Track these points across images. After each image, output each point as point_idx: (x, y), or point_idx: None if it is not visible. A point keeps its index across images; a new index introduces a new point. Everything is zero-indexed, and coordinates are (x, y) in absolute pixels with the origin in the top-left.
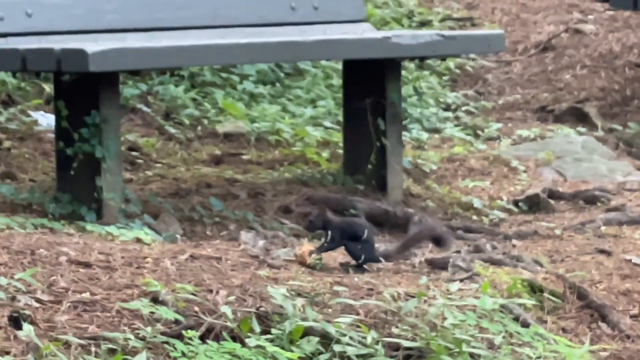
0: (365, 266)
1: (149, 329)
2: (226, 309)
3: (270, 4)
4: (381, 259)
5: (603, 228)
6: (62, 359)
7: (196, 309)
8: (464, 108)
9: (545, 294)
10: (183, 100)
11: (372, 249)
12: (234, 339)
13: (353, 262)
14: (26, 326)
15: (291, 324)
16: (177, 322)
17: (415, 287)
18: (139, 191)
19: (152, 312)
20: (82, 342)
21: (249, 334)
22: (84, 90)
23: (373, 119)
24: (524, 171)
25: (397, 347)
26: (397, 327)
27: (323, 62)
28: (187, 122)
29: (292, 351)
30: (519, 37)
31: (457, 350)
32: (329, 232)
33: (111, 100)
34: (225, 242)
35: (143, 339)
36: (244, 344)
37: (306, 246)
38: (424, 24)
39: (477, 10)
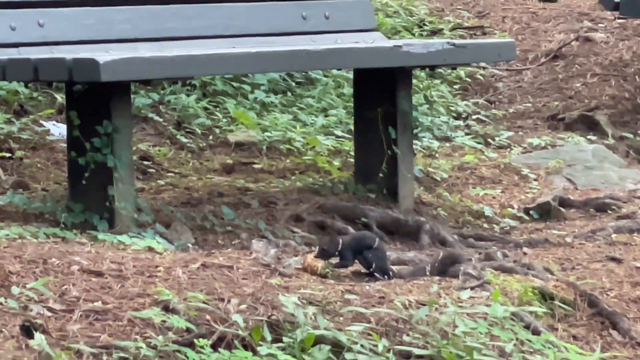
0: (376, 274)
1: (160, 337)
2: (238, 318)
3: (282, 14)
4: (392, 271)
5: (614, 236)
6: None
7: (208, 317)
8: (474, 116)
9: (556, 302)
10: (195, 109)
11: (384, 258)
12: (246, 347)
13: (364, 270)
14: (38, 335)
15: (302, 333)
16: (188, 330)
17: (426, 295)
18: (150, 200)
19: (164, 321)
20: (94, 351)
21: (260, 343)
22: (95, 100)
23: (384, 128)
24: (535, 179)
25: (408, 355)
26: (408, 335)
27: (334, 71)
28: (198, 131)
29: (303, 359)
30: (529, 46)
31: (468, 358)
32: (341, 251)
33: (123, 109)
34: (236, 250)
35: (155, 347)
36: (255, 353)
37: (310, 255)
38: (434, 32)
39: (487, 19)
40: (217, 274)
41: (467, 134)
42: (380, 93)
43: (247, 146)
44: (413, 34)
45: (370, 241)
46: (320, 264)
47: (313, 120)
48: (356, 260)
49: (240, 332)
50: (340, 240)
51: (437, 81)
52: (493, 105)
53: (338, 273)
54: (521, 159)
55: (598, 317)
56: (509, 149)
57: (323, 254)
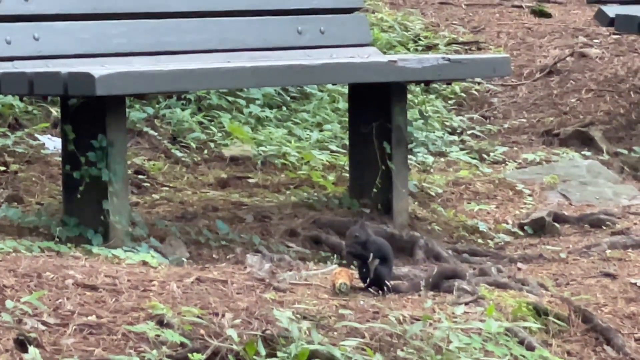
0: (371, 289)
1: (154, 352)
2: (232, 332)
3: (277, 28)
4: (389, 288)
5: (608, 251)
6: None
7: (202, 332)
8: (469, 132)
9: (550, 317)
10: (189, 123)
11: (388, 275)
12: None
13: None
14: (32, 349)
15: (297, 347)
16: (182, 345)
17: (420, 310)
18: (145, 214)
19: (158, 335)
20: None
21: (254, 357)
22: (90, 114)
23: (379, 143)
24: (530, 195)
25: None
26: (402, 350)
27: (329, 86)
28: (193, 145)
29: None
30: (524, 61)
31: None
32: (367, 244)
33: (118, 123)
34: (231, 265)
35: None
36: None
37: (341, 271)
38: (429, 47)
39: (482, 34)
40: (212, 288)
41: (461, 149)
42: (375, 108)
43: (241, 160)
44: (408, 49)
45: (389, 253)
46: (339, 281)
47: (308, 134)
48: (355, 264)
49: (234, 346)
50: (370, 235)
51: (432, 96)
52: (488, 120)
53: (353, 290)
54: (516, 174)
55: (592, 333)
56: (503, 165)
57: (354, 240)
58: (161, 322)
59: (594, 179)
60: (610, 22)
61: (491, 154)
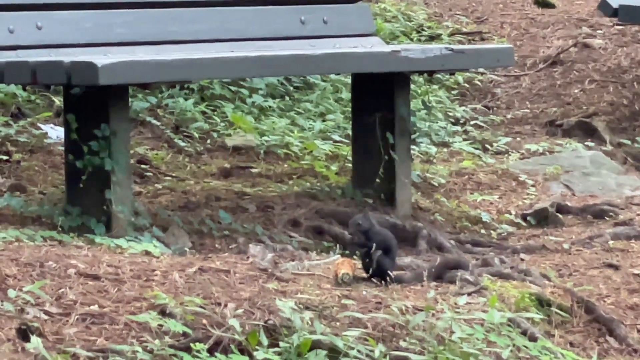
0: (373, 280)
1: (157, 341)
2: (234, 322)
3: (280, 18)
4: (391, 278)
5: (611, 242)
6: None
7: (204, 321)
8: (472, 122)
9: (553, 308)
10: (192, 113)
11: (391, 265)
12: (242, 352)
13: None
14: (34, 339)
15: (299, 337)
16: (185, 335)
17: (423, 300)
18: (148, 204)
19: (161, 325)
20: (90, 354)
21: (257, 347)
22: (93, 103)
23: (382, 133)
24: (533, 185)
25: None
26: (405, 340)
27: (332, 76)
28: (196, 135)
29: None
30: (527, 52)
31: None
32: (370, 234)
33: (121, 113)
34: (233, 255)
35: (151, 351)
36: (252, 357)
37: (344, 261)
38: (433, 38)
39: (486, 24)
40: (214, 278)
41: (464, 140)
42: (379, 98)
43: (244, 150)
44: (411, 39)
45: (392, 243)
46: (341, 271)
47: (311, 124)
48: (356, 254)
49: (236, 336)
50: (374, 224)
51: (435, 86)
52: (491, 111)
53: (355, 281)
54: (519, 164)
55: (595, 324)
56: (506, 155)
57: (357, 228)
58: (163, 312)
59: (597, 170)
60: (614, 12)
61: (494, 144)
